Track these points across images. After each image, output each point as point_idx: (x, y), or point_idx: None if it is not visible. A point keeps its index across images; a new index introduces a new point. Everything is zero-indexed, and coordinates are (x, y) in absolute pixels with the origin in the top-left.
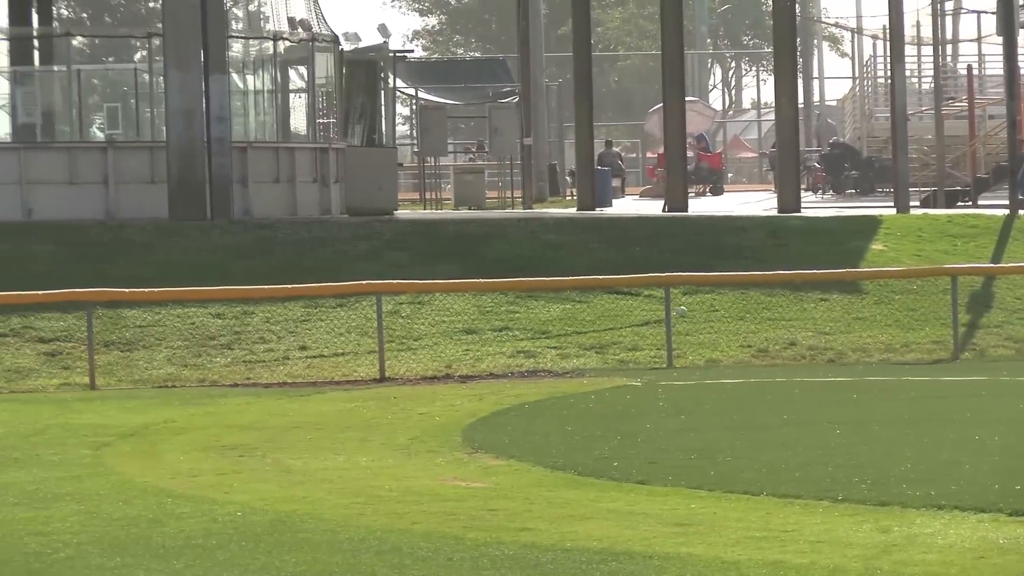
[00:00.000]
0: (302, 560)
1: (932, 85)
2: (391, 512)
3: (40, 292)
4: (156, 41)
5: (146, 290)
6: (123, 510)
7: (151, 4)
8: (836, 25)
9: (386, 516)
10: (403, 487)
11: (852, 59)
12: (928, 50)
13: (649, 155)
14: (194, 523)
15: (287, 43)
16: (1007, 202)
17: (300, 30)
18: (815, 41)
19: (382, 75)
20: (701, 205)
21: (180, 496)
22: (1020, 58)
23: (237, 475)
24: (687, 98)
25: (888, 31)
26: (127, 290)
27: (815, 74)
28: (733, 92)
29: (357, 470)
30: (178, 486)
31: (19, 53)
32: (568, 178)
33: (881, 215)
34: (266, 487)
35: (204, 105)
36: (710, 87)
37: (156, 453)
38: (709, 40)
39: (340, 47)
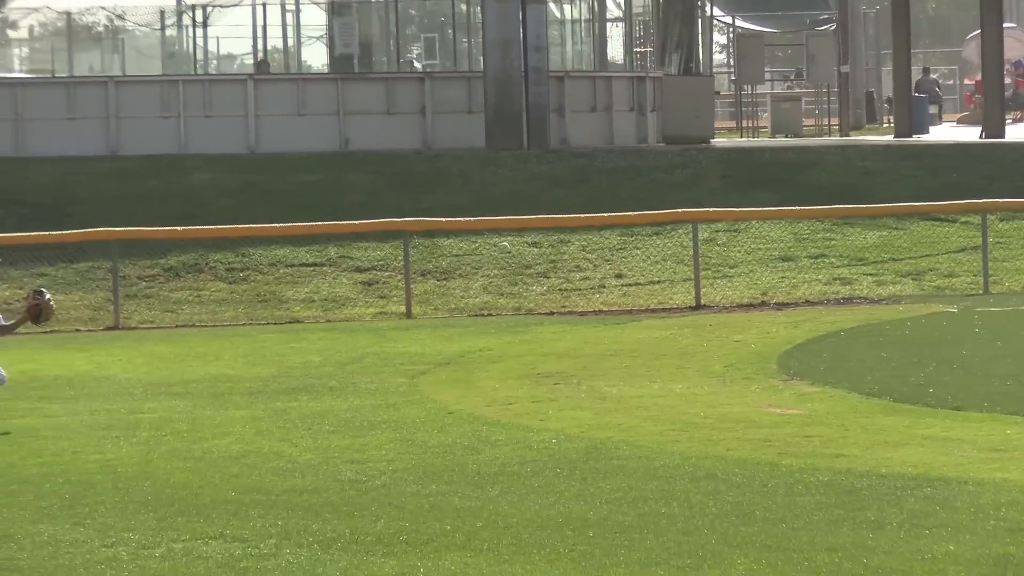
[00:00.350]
0: (617, 487)
1: None
2: (706, 439)
3: (357, 222)
4: None
5: (463, 219)
6: (438, 438)
7: None
8: None
9: (701, 443)
10: (718, 414)
11: None
12: None
13: (966, 82)
14: (509, 450)
15: None
16: None
17: None
18: None
19: (699, 4)
20: (1018, 131)
21: (495, 423)
22: None
23: (552, 402)
24: (1005, 24)
25: None
26: (444, 219)
27: None
28: None
29: (672, 397)
30: (493, 414)
31: None
32: (885, 105)
33: None
34: (581, 414)
35: (521, 35)
36: None
37: (471, 381)
38: None
39: None
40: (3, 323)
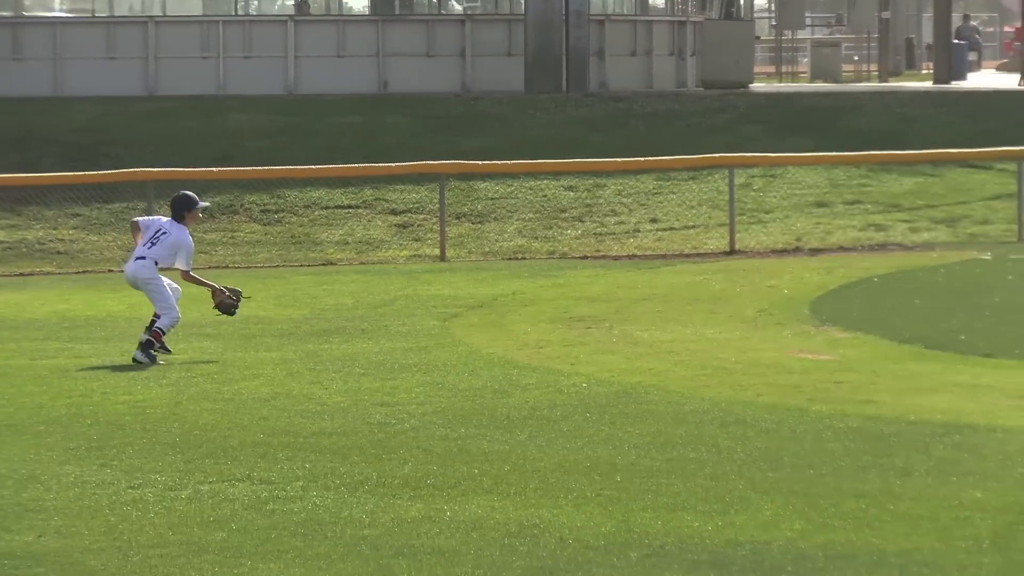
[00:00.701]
0: (646, 431)
1: None
2: (736, 384)
3: (393, 164)
4: None
5: (499, 162)
6: (469, 381)
7: None
8: None
9: (731, 388)
10: (749, 359)
11: None
12: None
13: (1006, 29)
14: (539, 394)
15: None
16: None
17: None
18: None
19: None
20: None
21: (526, 367)
22: None
23: (583, 346)
24: None
25: None
26: (480, 162)
27: None
28: None
29: (703, 342)
30: (524, 357)
31: None
32: (925, 51)
33: None
34: (612, 359)
35: None
36: None
37: (503, 324)
38: None
39: None
40: (192, 272)
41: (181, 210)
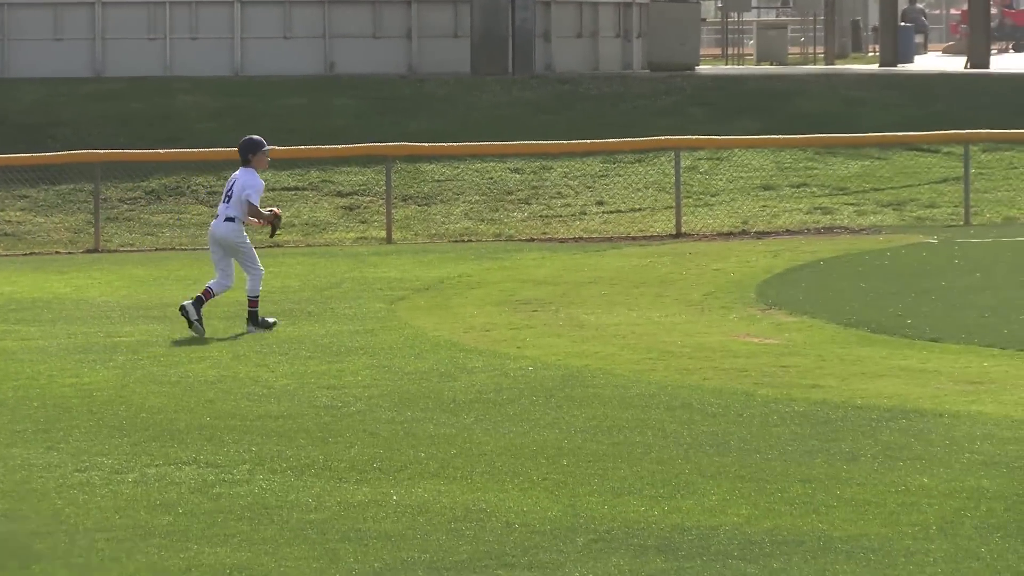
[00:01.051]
0: (592, 415)
1: None
2: (682, 368)
3: (340, 146)
4: None
5: (445, 144)
6: (415, 364)
7: None
8: None
9: (677, 372)
10: (695, 343)
11: None
12: None
13: (952, 11)
14: (485, 377)
15: None
16: None
17: None
18: None
19: None
20: (1003, 62)
21: (472, 350)
22: None
23: (530, 330)
24: None
25: None
26: (427, 144)
27: None
28: None
29: (650, 325)
30: (471, 340)
31: None
32: (871, 34)
33: None
34: (558, 342)
35: None
36: None
37: (450, 307)
38: None
39: None
40: (259, 206)
41: (247, 153)
